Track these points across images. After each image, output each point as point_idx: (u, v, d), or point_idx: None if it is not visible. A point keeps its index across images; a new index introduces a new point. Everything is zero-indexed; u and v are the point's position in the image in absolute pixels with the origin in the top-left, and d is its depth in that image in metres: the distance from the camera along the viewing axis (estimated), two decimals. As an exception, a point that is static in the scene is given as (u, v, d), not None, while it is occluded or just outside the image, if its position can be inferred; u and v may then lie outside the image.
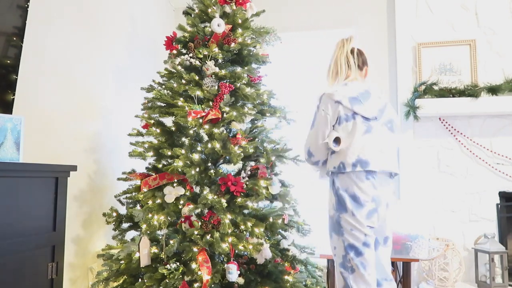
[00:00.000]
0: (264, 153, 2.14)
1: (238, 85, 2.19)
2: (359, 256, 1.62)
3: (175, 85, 2.23)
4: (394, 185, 3.09)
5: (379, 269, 1.74)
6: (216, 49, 2.20)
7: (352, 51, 1.87)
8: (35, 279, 1.56)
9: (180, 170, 2.00)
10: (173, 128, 2.24)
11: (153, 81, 2.39)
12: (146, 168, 2.29)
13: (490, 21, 2.95)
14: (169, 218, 2.01)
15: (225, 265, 1.93)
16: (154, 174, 2.18)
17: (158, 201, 2.07)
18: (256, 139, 2.21)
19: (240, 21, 2.30)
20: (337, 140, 1.69)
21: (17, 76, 1.80)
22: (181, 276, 1.91)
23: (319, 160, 1.78)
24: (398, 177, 3.04)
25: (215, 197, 2.01)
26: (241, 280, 1.97)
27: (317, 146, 1.75)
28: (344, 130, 1.69)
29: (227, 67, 2.29)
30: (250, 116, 2.15)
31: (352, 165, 1.64)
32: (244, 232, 1.99)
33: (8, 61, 1.76)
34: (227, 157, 2.15)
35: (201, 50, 2.21)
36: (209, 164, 2.22)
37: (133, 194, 2.20)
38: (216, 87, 2.16)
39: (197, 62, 2.24)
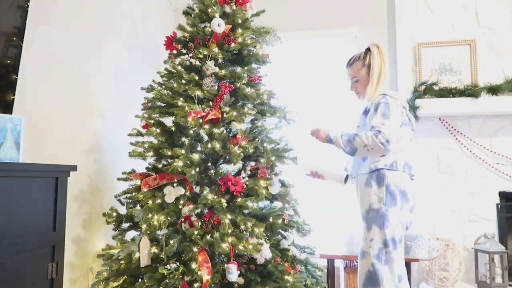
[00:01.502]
0: (264, 153, 2.14)
1: (238, 85, 2.19)
2: (395, 250, 1.73)
3: (175, 85, 2.23)
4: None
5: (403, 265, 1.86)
6: (216, 49, 2.20)
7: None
8: (35, 279, 1.56)
9: (180, 170, 2.00)
10: (173, 128, 2.24)
11: (153, 81, 2.39)
12: (146, 168, 2.29)
13: (490, 21, 2.95)
14: (169, 218, 2.01)
15: (225, 265, 1.93)
16: (154, 174, 2.18)
17: (158, 201, 2.07)
18: (256, 139, 2.21)
19: (240, 21, 2.30)
20: None
21: (17, 76, 1.80)
22: (181, 276, 1.91)
23: (390, 150, 1.74)
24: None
25: (215, 197, 2.01)
26: (241, 280, 1.97)
27: (394, 138, 1.75)
28: (402, 134, 1.84)
29: (227, 67, 2.29)
30: (250, 116, 2.15)
31: (403, 166, 1.81)
32: (244, 232, 1.99)
33: (8, 61, 1.76)
34: (227, 157, 2.15)
35: (201, 50, 2.21)
36: (209, 164, 2.22)
37: (133, 194, 2.20)
38: (216, 87, 2.16)
39: (197, 62, 2.24)
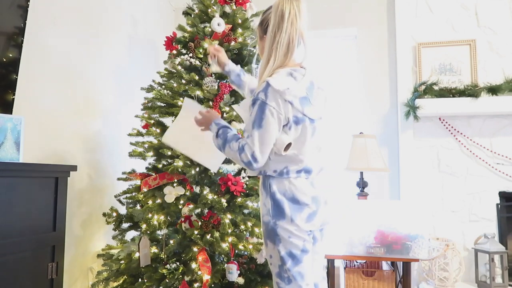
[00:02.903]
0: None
1: (238, 85, 2.19)
2: (297, 265, 1.43)
3: (175, 85, 2.23)
4: (395, 185, 3.09)
5: (318, 268, 1.58)
6: (217, 46, 2.20)
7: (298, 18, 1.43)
8: (35, 279, 1.56)
9: (180, 170, 2.00)
10: (173, 128, 2.24)
11: (153, 81, 2.39)
12: (146, 168, 2.29)
13: (490, 21, 2.95)
14: (169, 218, 2.01)
15: (225, 265, 1.93)
16: (154, 174, 2.18)
17: (158, 201, 2.07)
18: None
19: (240, 21, 2.30)
20: (288, 146, 1.45)
21: (17, 76, 1.80)
22: (181, 276, 1.91)
23: (258, 168, 1.46)
24: (398, 177, 3.04)
25: (215, 197, 2.01)
26: (241, 280, 1.97)
27: (267, 150, 1.42)
28: (293, 135, 1.45)
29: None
30: (250, 116, 2.15)
31: (297, 173, 1.46)
32: (244, 232, 2.00)
33: (9, 61, 1.76)
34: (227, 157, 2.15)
35: (201, 50, 2.21)
36: (209, 164, 2.22)
37: (133, 194, 2.20)
38: (216, 87, 2.16)
39: (197, 62, 2.24)
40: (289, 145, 1.44)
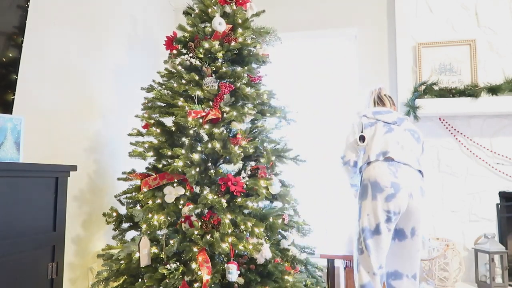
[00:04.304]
0: (264, 153, 2.14)
1: (238, 85, 2.19)
2: (370, 238, 1.89)
3: (175, 85, 2.23)
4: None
5: (401, 262, 1.98)
6: (217, 45, 2.20)
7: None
8: (35, 279, 1.56)
9: (180, 170, 2.00)
10: (173, 128, 2.24)
11: (153, 81, 2.39)
12: (146, 168, 2.29)
13: (490, 21, 2.95)
14: (169, 218, 2.01)
15: (225, 265, 1.93)
16: (154, 174, 2.18)
17: (158, 201, 2.07)
18: (256, 139, 2.21)
19: (240, 21, 2.30)
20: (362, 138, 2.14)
21: (17, 76, 1.80)
22: (181, 276, 1.91)
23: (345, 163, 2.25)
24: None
25: (215, 197, 2.01)
26: (241, 280, 1.97)
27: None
28: (369, 133, 2.13)
29: (227, 66, 2.29)
30: (250, 116, 2.15)
31: (376, 155, 1.99)
32: (244, 232, 1.99)
33: (9, 61, 1.76)
34: (227, 157, 2.15)
35: (201, 50, 2.21)
36: (209, 164, 2.22)
37: (133, 194, 2.20)
38: (216, 87, 2.16)
39: (197, 62, 2.24)
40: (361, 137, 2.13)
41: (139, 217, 2.04)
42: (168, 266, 1.92)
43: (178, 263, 1.95)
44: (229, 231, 1.92)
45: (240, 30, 2.29)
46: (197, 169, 2.05)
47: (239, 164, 2.17)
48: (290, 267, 2.16)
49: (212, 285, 1.88)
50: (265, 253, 2.00)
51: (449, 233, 2.91)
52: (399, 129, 2.11)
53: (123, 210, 2.29)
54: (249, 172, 2.14)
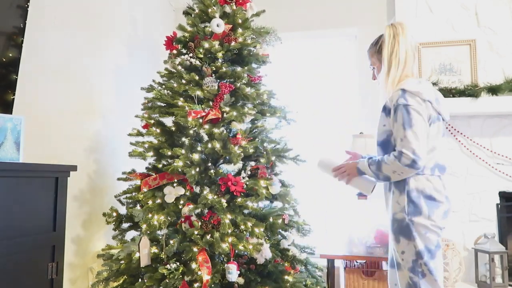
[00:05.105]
0: (264, 153, 2.14)
1: (238, 85, 2.19)
2: (432, 260, 1.54)
3: (175, 85, 2.23)
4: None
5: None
6: (217, 45, 2.20)
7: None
8: (35, 279, 1.56)
9: (180, 170, 2.00)
10: (173, 128, 2.24)
11: (153, 81, 2.39)
12: (146, 168, 2.29)
13: (490, 21, 2.95)
14: (169, 218, 2.01)
15: (225, 265, 1.93)
16: (154, 174, 2.18)
17: (158, 201, 2.07)
18: (256, 139, 2.21)
19: (240, 21, 2.30)
20: None
21: (17, 76, 1.80)
22: (181, 276, 1.91)
23: (421, 167, 1.54)
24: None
25: (215, 197, 2.01)
26: (241, 280, 1.97)
27: (423, 148, 1.54)
28: (431, 132, 1.60)
29: (227, 66, 2.29)
30: (250, 116, 2.15)
31: (432, 169, 1.59)
32: (244, 232, 1.99)
33: (9, 61, 1.76)
34: (227, 157, 2.15)
35: (201, 50, 2.21)
36: (209, 164, 2.22)
37: (133, 194, 2.20)
38: (216, 87, 2.16)
39: (197, 62, 2.24)
40: None
41: (139, 217, 2.04)
42: (168, 266, 1.92)
43: (178, 263, 1.95)
44: (229, 231, 1.92)
45: (240, 30, 2.29)
46: (197, 169, 2.05)
47: (239, 164, 2.17)
48: (290, 267, 2.16)
49: (212, 285, 1.88)
50: (265, 253, 2.00)
51: (449, 233, 2.91)
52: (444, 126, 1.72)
53: (123, 210, 2.29)
54: (249, 172, 2.14)
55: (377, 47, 1.78)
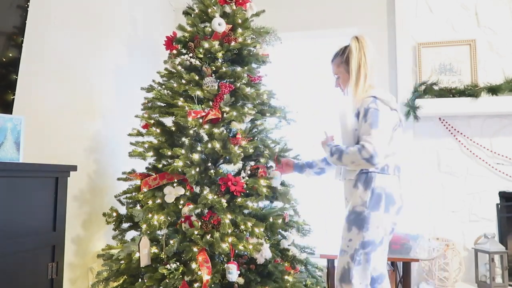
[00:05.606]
0: (268, 148, 2.15)
1: (238, 85, 2.19)
2: (373, 252, 1.73)
3: (175, 85, 2.23)
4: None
5: (384, 260, 1.88)
6: (217, 45, 2.20)
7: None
8: (35, 279, 1.56)
9: (180, 170, 2.00)
10: (173, 128, 2.24)
11: (153, 81, 2.39)
12: (146, 168, 2.29)
13: (490, 21, 2.95)
14: (169, 218, 2.01)
15: (225, 265, 1.93)
16: (154, 174, 2.18)
17: (158, 201, 2.07)
18: (256, 139, 2.21)
19: (240, 21, 2.30)
20: None
21: (17, 76, 1.80)
22: (181, 276, 1.91)
23: (378, 163, 1.68)
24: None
25: (215, 197, 2.01)
26: (241, 280, 1.97)
27: (382, 148, 1.69)
28: (394, 137, 1.80)
29: (227, 66, 2.29)
30: (250, 116, 2.15)
31: (394, 169, 1.78)
32: (244, 232, 1.99)
33: (9, 61, 1.76)
34: (227, 157, 2.15)
35: (201, 50, 2.21)
36: (209, 164, 2.22)
37: (133, 194, 2.20)
38: (216, 87, 2.16)
39: (197, 62, 2.24)
40: None
41: (139, 217, 2.04)
42: (168, 266, 1.92)
43: (178, 263, 1.95)
44: (229, 231, 1.92)
45: (240, 30, 2.29)
46: (197, 169, 2.05)
47: (239, 164, 2.17)
48: (290, 267, 2.16)
49: (212, 285, 1.88)
50: (265, 253, 2.00)
51: (449, 233, 2.91)
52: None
53: (123, 210, 2.29)
54: (249, 172, 2.14)
55: (343, 58, 1.91)
